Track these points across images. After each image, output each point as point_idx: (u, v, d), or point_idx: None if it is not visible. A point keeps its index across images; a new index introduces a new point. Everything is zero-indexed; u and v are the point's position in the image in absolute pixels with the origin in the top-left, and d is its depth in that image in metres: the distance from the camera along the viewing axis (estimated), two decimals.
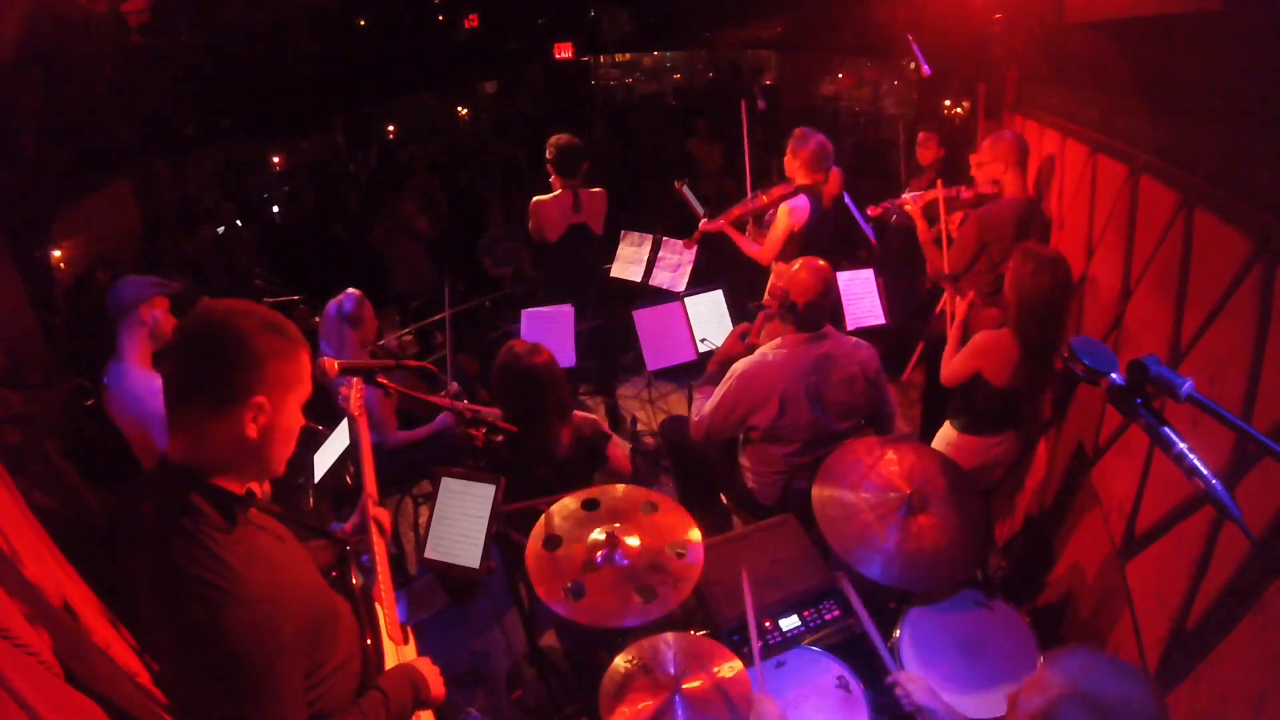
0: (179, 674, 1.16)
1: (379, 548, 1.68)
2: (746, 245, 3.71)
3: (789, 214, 3.50)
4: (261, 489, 1.77)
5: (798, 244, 3.52)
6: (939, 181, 3.48)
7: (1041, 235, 3.15)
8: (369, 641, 1.41)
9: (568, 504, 2.05)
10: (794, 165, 3.56)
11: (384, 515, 1.78)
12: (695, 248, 3.83)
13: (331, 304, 3.14)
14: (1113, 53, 2.66)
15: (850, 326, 3.28)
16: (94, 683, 0.99)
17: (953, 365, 2.65)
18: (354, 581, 1.48)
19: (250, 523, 1.20)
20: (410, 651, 1.59)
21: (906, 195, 3.64)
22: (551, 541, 1.93)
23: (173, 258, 6.10)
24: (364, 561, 1.63)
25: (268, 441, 1.18)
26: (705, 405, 2.63)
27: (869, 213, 3.96)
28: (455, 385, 3.43)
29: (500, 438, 2.03)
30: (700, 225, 3.75)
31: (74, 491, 2.12)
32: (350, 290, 3.17)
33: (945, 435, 2.78)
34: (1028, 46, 3.81)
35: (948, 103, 5.64)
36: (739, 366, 2.53)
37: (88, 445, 2.73)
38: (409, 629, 1.64)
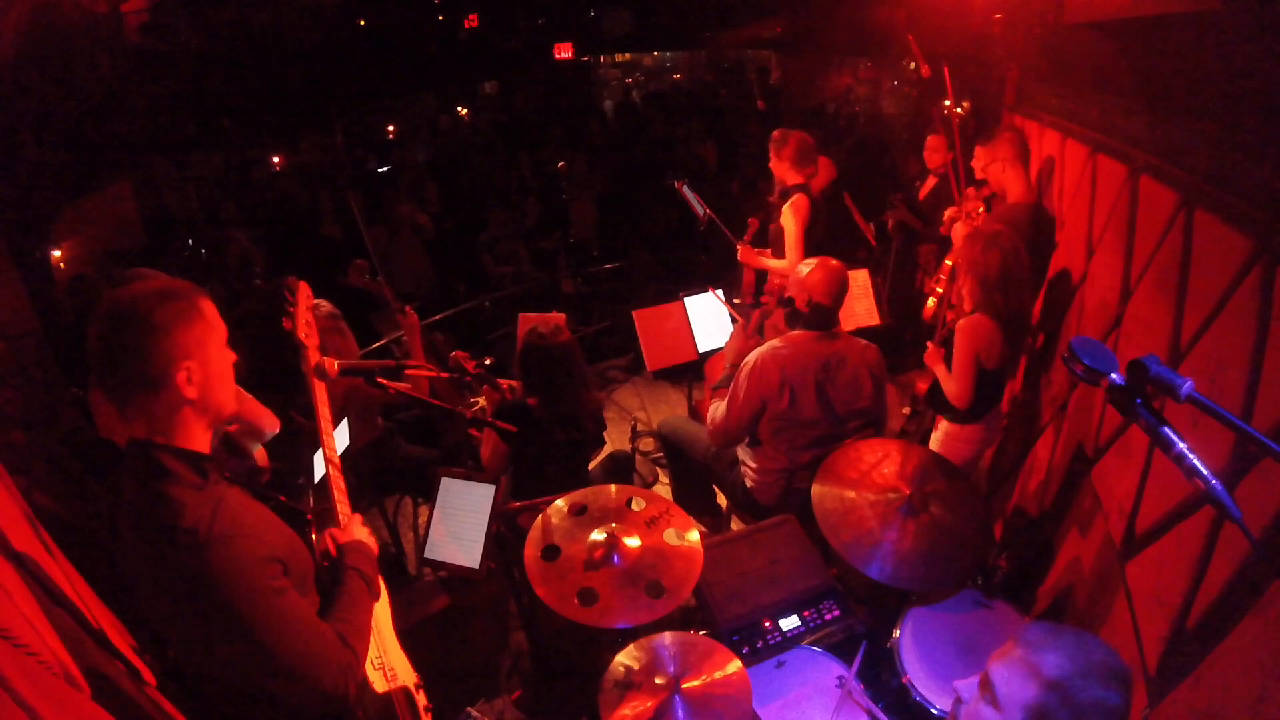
0: (189, 638, 1.21)
1: (328, 445, 1.73)
2: (775, 267, 3.63)
3: (794, 214, 3.50)
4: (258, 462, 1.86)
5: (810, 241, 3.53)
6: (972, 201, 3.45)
7: (1050, 234, 3.14)
8: None
9: (562, 507, 2.05)
10: (781, 167, 3.56)
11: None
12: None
13: None
14: (1113, 53, 2.65)
15: (846, 328, 3.28)
16: (95, 683, 0.98)
17: (955, 376, 2.57)
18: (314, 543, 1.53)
19: (222, 480, 1.27)
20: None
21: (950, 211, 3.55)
22: (550, 552, 1.93)
23: (172, 257, 6.10)
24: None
25: (208, 391, 1.24)
26: (719, 409, 2.62)
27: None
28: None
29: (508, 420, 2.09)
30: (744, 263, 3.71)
31: (75, 492, 2.11)
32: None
33: (938, 431, 2.78)
34: (1028, 46, 3.81)
35: (948, 103, 5.63)
36: (750, 359, 2.53)
37: (87, 445, 2.72)
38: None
